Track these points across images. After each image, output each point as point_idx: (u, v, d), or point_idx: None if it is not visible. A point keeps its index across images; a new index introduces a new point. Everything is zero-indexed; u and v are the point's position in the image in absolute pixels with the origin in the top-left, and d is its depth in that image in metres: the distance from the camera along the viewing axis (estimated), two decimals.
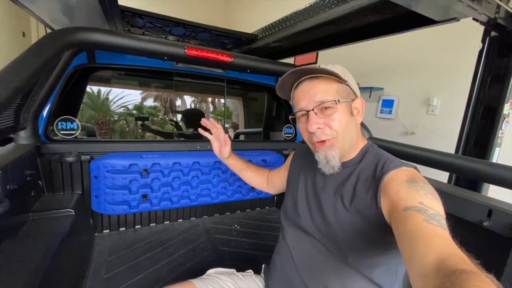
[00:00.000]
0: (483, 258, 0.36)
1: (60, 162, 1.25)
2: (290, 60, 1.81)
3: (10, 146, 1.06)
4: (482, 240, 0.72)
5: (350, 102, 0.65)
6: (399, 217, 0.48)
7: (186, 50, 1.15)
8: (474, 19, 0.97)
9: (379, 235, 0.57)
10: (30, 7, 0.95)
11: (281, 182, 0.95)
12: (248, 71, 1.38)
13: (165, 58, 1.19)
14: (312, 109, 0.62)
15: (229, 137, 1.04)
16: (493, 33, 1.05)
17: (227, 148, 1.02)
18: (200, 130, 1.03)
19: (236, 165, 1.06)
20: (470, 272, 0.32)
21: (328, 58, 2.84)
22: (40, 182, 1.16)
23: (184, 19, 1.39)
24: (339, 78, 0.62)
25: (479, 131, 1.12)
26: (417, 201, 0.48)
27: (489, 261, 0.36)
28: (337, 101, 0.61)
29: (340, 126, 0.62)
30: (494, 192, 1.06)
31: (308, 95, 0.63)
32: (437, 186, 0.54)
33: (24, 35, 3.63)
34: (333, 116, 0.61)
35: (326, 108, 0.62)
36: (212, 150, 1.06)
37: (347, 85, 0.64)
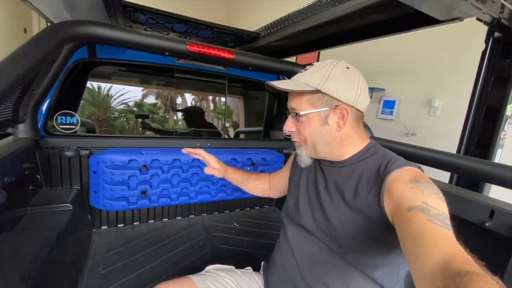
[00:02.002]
0: (484, 259, 0.35)
1: (59, 157, 1.24)
2: (291, 59, 1.80)
3: (8, 139, 1.05)
4: (484, 241, 0.72)
5: (328, 111, 0.62)
6: (403, 217, 0.47)
7: (188, 46, 1.14)
8: (477, 19, 0.97)
9: (381, 235, 0.56)
10: (31, 1, 0.94)
11: (284, 183, 0.93)
12: (250, 68, 1.38)
13: (167, 53, 1.18)
14: (290, 113, 0.68)
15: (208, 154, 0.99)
16: (496, 34, 1.04)
17: (213, 160, 0.97)
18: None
19: (236, 177, 1.02)
20: (475, 274, 0.31)
21: (329, 57, 2.82)
22: (38, 176, 1.15)
23: (186, 16, 1.39)
24: (307, 91, 0.62)
25: (481, 132, 1.11)
26: (421, 201, 0.47)
27: (490, 262, 0.35)
28: (299, 113, 0.64)
29: (307, 134, 0.65)
30: (493, 193, 1.06)
31: (289, 99, 0.68)
32: (438, 186, 0.53)
33: (25, 31, 3.63)
34: (303, 124, 0.65)
35: (297, 114, 0.65)
36: (213, 148, 1.05)
37: (324, 93, 0.61)
